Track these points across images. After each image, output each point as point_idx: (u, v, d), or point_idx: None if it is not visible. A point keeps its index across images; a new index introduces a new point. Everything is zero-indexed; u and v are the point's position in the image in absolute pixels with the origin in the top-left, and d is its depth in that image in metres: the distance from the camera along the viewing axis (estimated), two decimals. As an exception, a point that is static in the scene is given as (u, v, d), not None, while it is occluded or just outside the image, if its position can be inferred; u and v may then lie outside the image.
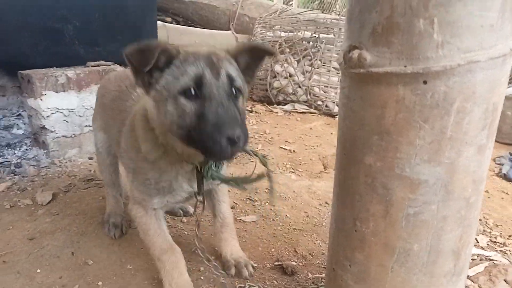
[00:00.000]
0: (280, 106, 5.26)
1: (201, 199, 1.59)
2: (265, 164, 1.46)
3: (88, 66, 3.12)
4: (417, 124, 0.98)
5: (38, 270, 1.73)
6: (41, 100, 2.77)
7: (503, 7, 0.92)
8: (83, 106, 2.98)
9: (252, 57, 1.46)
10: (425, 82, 0.95)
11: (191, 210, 2.28)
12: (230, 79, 1.32)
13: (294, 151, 3.51)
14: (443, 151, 0.99)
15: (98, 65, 3.15)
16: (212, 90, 1.26)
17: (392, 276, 1.12)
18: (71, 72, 2.92)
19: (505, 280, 1.79)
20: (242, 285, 1.69)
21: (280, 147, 3.60)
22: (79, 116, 2.98)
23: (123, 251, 1.88)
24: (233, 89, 1.33)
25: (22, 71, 2.86)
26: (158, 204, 1.60)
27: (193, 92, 1.27)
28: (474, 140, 0.99)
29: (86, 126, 3.02)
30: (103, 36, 3.30)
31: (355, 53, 1.03)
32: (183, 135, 1.28)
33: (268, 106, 5.26)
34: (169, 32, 5.39)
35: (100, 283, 1.66)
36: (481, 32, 0.91)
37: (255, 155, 1.46)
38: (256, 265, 1.83)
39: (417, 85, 0.95)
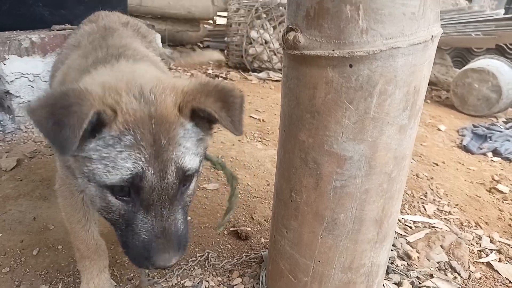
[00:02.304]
0: (255, 73, 5.26)
1: None
2: (231, 183, 1.26)
3: (53, 30, 3.04)
4: (344, 105, 1.05)
5: (0, 234, 1.79)
6: (4, 64, 2.72)
7: (425, -4, 0.98)
8: (48, 71, 2.93)
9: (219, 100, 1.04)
10: (350, 66, 1.01)
11: None
12: (180, 172, 0.98)
13: (263, 120, 3.58)
14: (367, 130, 1.07)
15: (63, 29, 3.07)
16: (151, 196, 0.95)
17: (321, 242, 1.23)
18: (35, 36, 2.85)
19: (441, 246, 1.95)
20: (202, 254, 1.79)
21: (250, 116, 3.65)
22: (45, 81, 2.94)
23: (84, 216, 1.95)
24: (184, 181, 1.02)
25: (-17, 34, 2.78)
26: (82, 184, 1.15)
27: (124, 192, 0.97)
28: (395, 120, 1.07)
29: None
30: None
31: (291, 35, 1.08)
32: (104, 217, 1.05)
33: (243, 73, 5.26)
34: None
35: (60, 246, 1.74)
36: (402, 20, 0.97)
37: (223, 170, 1.22)
38: (215, 231, 1.94)
39: (343, 68, 1.02)
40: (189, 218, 2.02)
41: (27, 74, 2.85)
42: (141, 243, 0.96)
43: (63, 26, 3.09)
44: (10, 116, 2.91)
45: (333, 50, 1.00)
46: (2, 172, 2.30)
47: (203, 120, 1.05)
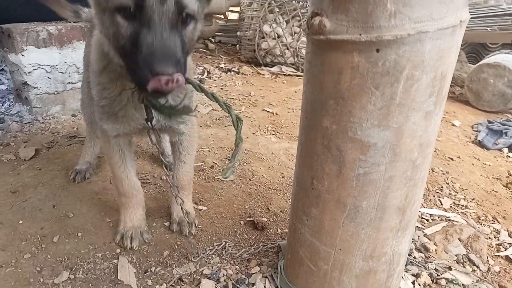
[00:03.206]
0: (267, 68, 5.25)
1: (152, 125, 1.43)
2: (235, 126, 1.32)
3: (70, 22, 3.07)
4: (369, 90, 1.04)
5: (21, 221, 1.82)
6: (22, 55, 2.75)
7: (455, -21, 0.96)
8: (65, 62, 2.97)
9: None
10: (377, 50, 1.00)
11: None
12: (179, 5, 1.13)
13: (276, 114, 3.57)
14: (392, 116, 1.06)
15: (79, 21, 3.10)
16: (152, 16, 1.09)
17: (343, 229, 1.22)
18: (52, 27, 2.88)
19: (459, 239, 1.93)
20: (219, 243, 1.80)
21: (263, 110, 3.65)
22: (62, 73, 2.98)
23: (103, 205, 1.97)
24: (183, 16, 1.16)
25: (2, 25, 2.82)
26: (112, 130, 1.53)
27: (131, 12, 1.11)
28: (421, 106, 1.06)
29: (69, 83, 3.03)
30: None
31: (316, 20, 1.07)
32: (117, 51, 1.22)
33: (255, 68, 5.25)
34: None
35: (79, 234, 1.76)
36: (431, 3, 0.96)
37: (215, 100, 1.28)
38: (232, 221, 1.95)
39: (370, 53, 1.01)
40: (205, 208, 2.03)
41: (44, 65, 2.88)
42: (144, 56, 1.08)
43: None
44: (28, 107, 2.95)
45: (360, 35, 1.00)
46: (21, 162, 2.34)
47: None
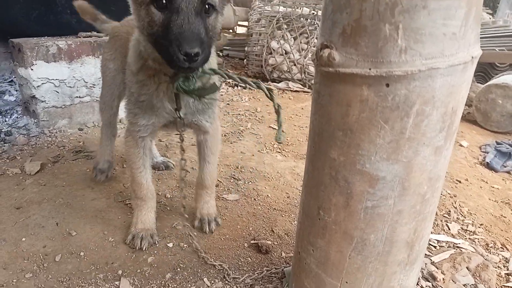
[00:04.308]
0: (274, 83, 5.27)
1: (180, 115, 1.63)
2: (270, 97, 1.50)
3: (79, 37, 3.10)
4: (379, 124, 1.03)
5: (23, 239, 1.81)
6: (32, 69, 2.78)
7: (467, 16, 0.96)
8: (73, 77, 2.99)
9: None
10: (387, 85, 0.99)
11: (172, 165, 2.60)
12: None
13: (282, 131, 3.55)
14: (401, 150, 1.04)
15: (90, 36, 3.14)
16: (180, 5, 1.32)
17: (349, 262, 1.20)
18: (62, 42, 2.91)
19: (467, 268, 1.89)
20: (222, 267, 1.78)
21: (269, 126, 3.64)
22: (70, 87, 3.00)
23: (106, 224, 1.96)
24: (206, 6, 1.38)
25: (13, 40, 2.86)
26: (144, 128, 1.70)
27: (163, 2, 1.33)
28: (431, 141, 1.04)
29: (77, 97, 3.05)
30: (96, 6, 3.27)
31: (326, 52, 1.06)
32: (152, 41, 1.41)
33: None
34: None
35: (82, 253, 1.75)
36: (443, 40, 0.95)
37: (245, 82, 1.49)
38: (235, 243, 1.93)
39: (380, 87, 1.00)
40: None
41: (53, 79, 2.90)
42: (175, 38, 1.29)
43: (89, 33, 3.15)
44: (35, 120, 2.97)
45: (370, 69, 0.99)
46: (26, 176, 2.34)
47: None
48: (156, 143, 3.00)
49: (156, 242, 1.85)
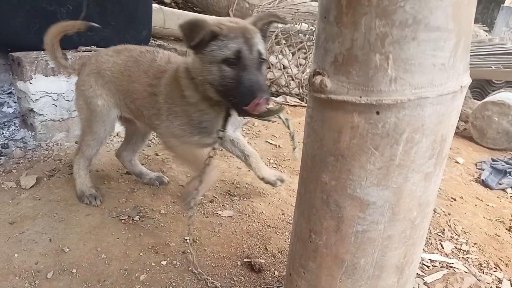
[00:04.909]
0: (273, 97, 5.30)
1: (221, 135, 1.86)
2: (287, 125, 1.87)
3: (79, 51, 3.13)
4: (369, 151, 1.04)
5: (16, 255, 1.80)
6: (30, 83, 2.80)
7: (456, 47, 0.98)
8: (72, 91, 3.00)
9: (267, 24, 1.86)
10: (377, 113, 1.01)
11: (166, 180, 2.63)
12: (259, 53, 1.70)
13: (279, 146, 3.58)
14: (391, 176, 1.06)
15: (89, 51, 3.16)
16: (247, 62, 1.66)
17: (340, 286, 1.20)
18: (61, 56, 2.93)
19: (460, 288, 1.89)
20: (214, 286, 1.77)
21: (266, 141, 3.66)
22: (68, 100, 3.02)
23: (99, 240, 1.96)
24: (261, 60, 1.71)
25: (13, 53, 2.88)
26: (194, 142, 1.97)
27: (233, 61, 1.66)
28: (421, 168, 1.06)
29: (75, 111, 3.06)
30: (96, 20, 3.30)
31: (318, 79, 1.08)
32: (222, 90, 1.70)
33: (260, 97, 5.30)
34: (165, 16, 5.37)
35: (74, 270, 1.74)
36: (432, 70, 0.97)
37: (279, 117, 1.82)
38: (229, 261, 1.93)
39: (370, 114, 1.02)
40: (205, 249, 2.01)
41: (51, 93, 2.92)
42: (247, 89, 1.61)
43: (88, 47, 3.18)
44: (32, 133, 2.98)
45: (361, 97, 1.01)
46: (21, 190, 2.34)
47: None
48: (151, 157, 3.01)
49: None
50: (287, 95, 5.24)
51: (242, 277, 1.83)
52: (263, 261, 1.94)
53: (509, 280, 2.14)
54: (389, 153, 1.03)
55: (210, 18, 1.91)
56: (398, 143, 1.02)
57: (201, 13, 6.60)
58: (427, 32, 0.94)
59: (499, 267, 2.27)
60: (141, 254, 1.89)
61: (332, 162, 1.12)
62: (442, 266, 2.14)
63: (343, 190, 1.12)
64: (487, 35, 6.57)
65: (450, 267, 2.15)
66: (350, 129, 1.05)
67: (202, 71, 1.73)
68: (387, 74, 0.97)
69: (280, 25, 5.34)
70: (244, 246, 2.06)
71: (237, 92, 1.63)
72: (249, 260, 1.93)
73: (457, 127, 5.41)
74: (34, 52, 2.93)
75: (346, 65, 1.02)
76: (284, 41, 5.22)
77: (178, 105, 1.93)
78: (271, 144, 3.61)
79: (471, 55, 4.72)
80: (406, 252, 1.16)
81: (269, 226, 2.29)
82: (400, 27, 0.93)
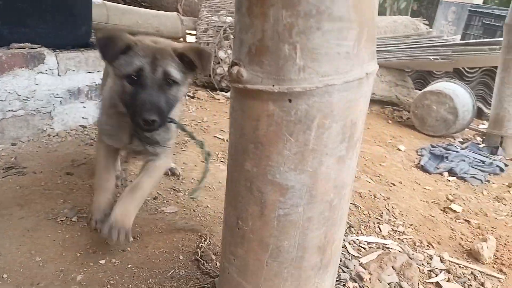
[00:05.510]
0: (223, 92, 5.31)
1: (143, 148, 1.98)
2: (201, 147, 1.95)
3: (11, 48, 2.97)
4: (284, 137, 1.09)
5: None
6: (-44, 83, 2.64)
7: (359, 36, 1.04)
8: (5, 90, 2.85)
9: (199, 57, 1.77)
10: (290, 101, 1.06)
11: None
12: (165, 74, 1.70)
13: (227, 141, 3.59)
14: (307, 161, 1.11)
15: (23, 47, 3.01)
16: (147, 81, 1.67)
17: (267, 269, 1.25)
18: (-8, 54, 2.78)
19: (393, 267, 2.01)
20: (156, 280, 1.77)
21: (215, 136, 3.67)
22: (1, 100, 2.86)
23: (34, 243, 1.89)
24: (168, 81, 1.72)
25: None
26: (105, 142, 2.03)
27: (134, 78, 1.68)
28: (333, 151, 1.12)
29: (9, 111, 2.91)
30: (30, 16, 3.15)
31: (235, 69, 1.12)
32: (123, 104, 1.76)
33: (210, 92, 5.29)
34: (109, 11, 5.21)
35: (5, 275, 1.67)
36: (337, 59, 1.03)
37: (192, 138, 1.94)
38: (170, 256, 1.93)
39: (283, 102, 1.06)
40: (146, 245, 2.00)
41: (-19, 93, 2.76)
42: (138, 107, 1.65)
43: (22, 44, 3.03)
44: (-37, 136, 2.80)
45: (273, 86, 1.05)
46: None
47: (186, 64, 1.77)
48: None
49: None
50: (238, 90, 5.27)
51: (183, 271, 1.84)
52: (205, 253, 1.95)
53: (439, 256, 2.29)
54: (303, 138, 1.09)
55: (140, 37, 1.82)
56: (311, 129, 1.08)
57: (149, 8, 6.46)
58: (331, 22, 0.99)
59: (432, 245, 2.43)
60: (78, 254, 1.84)
61: (252, 150, 1.16)
62: (378, 247, 2.26)
63: (264, 176, 1.16)
64: (427, 29, 6.92)
65: (386, 248, 2.27)
66: (267, 117, 1.10)
67: (112, 81, 1.82)
68: (295, 63, 1.02)
69: (228, 19, 5.36)
70: (187, 240, 2.07)
71: (131, 108, 1.69)
72: (191, 253, 1.94)
73: (401, 116, 5.69)
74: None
75: (259, 55, 1.06)
76: (232, 36, 5.23)
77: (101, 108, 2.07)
78: (219, 138, 3.63)
79: (411, 48, 5.01)
80: (326, 232, 1.23)
81: (213, 219, 2.31)
82: (305, 18, 0.98)
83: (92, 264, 1.80)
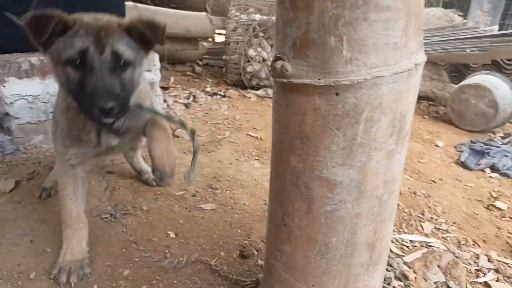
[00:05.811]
0: (253, 91, 5.32)
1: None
2: (192, 138, 1.61)
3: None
4: (332, 131, 1.07)
5: (-3, 258, 1.80)
6: (4, 86, 2.76)
7: (407, 26, 1.01)
8: (47, 92, 2.98)
9: (151, 28, 1.52)
10: (337, 94, 1.04)
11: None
12: (115, 54, 1.45)
13: (261, 139, 3.60)
14: (355, 155, 1.09)
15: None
16: (94, 64, 1.41)
17: (314, 266, 1.23)
18: (34, 58, 2.90)
19: (438, 266, 1.95)
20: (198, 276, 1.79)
21: (248, 134, 3.68)
22: (44, 102, 2.99)
23: (81, 239, 1.96)
24: (120, 62, 1.48)
25: (-16, 57, 2.83)
26: (74, 157, 1.75)
27: (77, 62, 1.42)
28: (382, 145, 1.09)
29: (52, 112, 3.03)
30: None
31: (279, 64, 1.11)
32: (71, 95, 1.50)
33: (241, 91, 5.32)
34: (140, 13, 5.33)
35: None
36: (385, 50, 1.00)
37: (171, 120, 1.66)
38: (212, 252, 1.95)
39: (330, 96, 1.04)
40: (188, 242, 2.03)
41: (26, 95, 2.89)
42: (89, 95, 1.39)
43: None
44: (9, 137, 2.94)
45: (319, 79, 1.03)
46: (0, 194, 2.32)
47: (137, 40, 1.53)
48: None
49: (88, 275, 1.71)
50: (268, 87, 5.26)
51: (225, 266, 1.85)
52: (246, 250, 1.96)
53: (486, 255, 2.20)
54: (351, 132, 1.06)
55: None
56: (359, 123, 1.05)
57: (177, 9, 6.56)
58: (377, 13, 0.97)
59: (477, 244, 2.34)
60: (124, 250, 1.90)
61: (299, 145, 1.15)
62: (422, 246, 2.20)
63: (311, 172, 1.15)
64: (461, 20, 6.67)
65: (429, 246, 2.20)
66: (313, 111, 1.08)
67: (53, 72, 1.53)
68: (342, 55, 1.00)
69: (257, 17, 5.36)
70: (227, 237, 2.08)
71: (82, 99, 1.44)
72: (231, 250, 1.95)
73: (437, 112, 5.52)
74: (6, 55, 2.88)
75: (304, 48, 1.04)
76: (262, 34, 5.23)
77: (55, 113, 1.79)
78: (253, 136, 3.63)
79: (446, 41, 4.83)
80: (376, 229, 1.20)
81: (252, 216, 2.31)
82: (351, 9, 0.96)
83: (137, 260, 1.84)
